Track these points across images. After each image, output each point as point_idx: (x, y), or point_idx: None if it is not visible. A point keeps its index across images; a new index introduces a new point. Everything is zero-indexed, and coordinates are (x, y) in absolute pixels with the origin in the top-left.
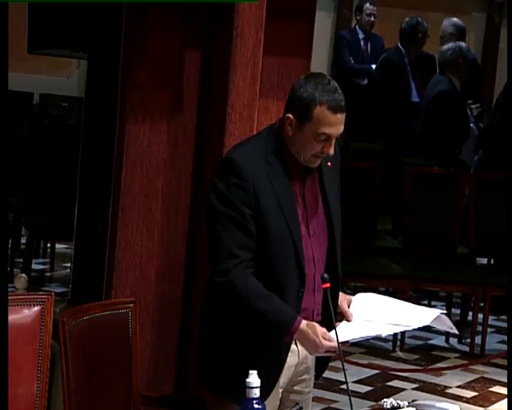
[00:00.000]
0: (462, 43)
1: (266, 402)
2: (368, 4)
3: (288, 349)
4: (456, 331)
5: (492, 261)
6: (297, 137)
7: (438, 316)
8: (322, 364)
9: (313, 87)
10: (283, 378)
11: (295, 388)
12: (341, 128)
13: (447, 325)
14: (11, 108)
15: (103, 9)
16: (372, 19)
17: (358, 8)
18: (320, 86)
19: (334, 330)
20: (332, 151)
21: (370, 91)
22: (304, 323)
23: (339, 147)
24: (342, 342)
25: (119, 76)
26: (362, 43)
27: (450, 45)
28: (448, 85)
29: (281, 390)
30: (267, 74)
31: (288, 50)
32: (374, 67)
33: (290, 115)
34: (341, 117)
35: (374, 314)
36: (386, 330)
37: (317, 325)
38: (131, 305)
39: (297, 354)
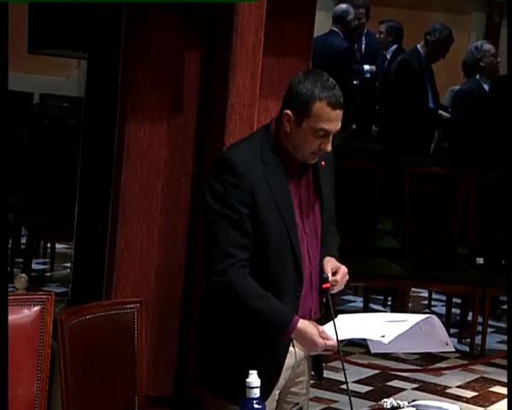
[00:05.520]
0: (478, 43)
1: None
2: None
3: (286, 350)
4: (452, 348)
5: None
6: (295, 133)
7: (430, 317)
8: (318, 364)
9: (312, 83)
10: (281, 380)
11: (292, 389)
12: (339, 124)
13: (442, 341)
14: (11, 108)
15: (103, 9)
16: (356, 22)
17: None
18: (319, 82)
19: (333, 329)
20: (330, 147)
21: (384, 92)
22: (301, 322)
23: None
24: (341, 341)
25: (119, 76)
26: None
27: (470, 46)
28: (468, 85)
29: (278, 392)
30: (267, 74)
31: (287, 50)
32: (366, 67)
33: (288, 111)
34: (340, 113)
35: (367, 317)
36: (387, 331)
37: (314, 324)
38: (137, 305)
39: (294, 355)
